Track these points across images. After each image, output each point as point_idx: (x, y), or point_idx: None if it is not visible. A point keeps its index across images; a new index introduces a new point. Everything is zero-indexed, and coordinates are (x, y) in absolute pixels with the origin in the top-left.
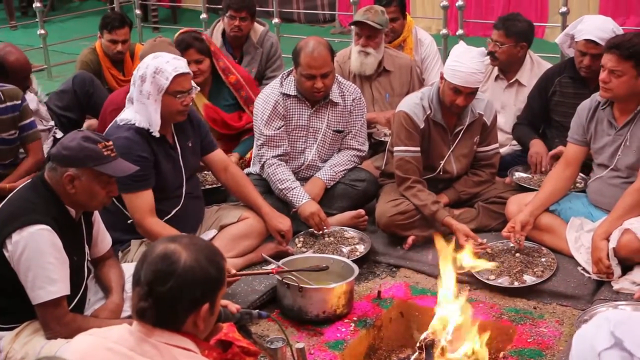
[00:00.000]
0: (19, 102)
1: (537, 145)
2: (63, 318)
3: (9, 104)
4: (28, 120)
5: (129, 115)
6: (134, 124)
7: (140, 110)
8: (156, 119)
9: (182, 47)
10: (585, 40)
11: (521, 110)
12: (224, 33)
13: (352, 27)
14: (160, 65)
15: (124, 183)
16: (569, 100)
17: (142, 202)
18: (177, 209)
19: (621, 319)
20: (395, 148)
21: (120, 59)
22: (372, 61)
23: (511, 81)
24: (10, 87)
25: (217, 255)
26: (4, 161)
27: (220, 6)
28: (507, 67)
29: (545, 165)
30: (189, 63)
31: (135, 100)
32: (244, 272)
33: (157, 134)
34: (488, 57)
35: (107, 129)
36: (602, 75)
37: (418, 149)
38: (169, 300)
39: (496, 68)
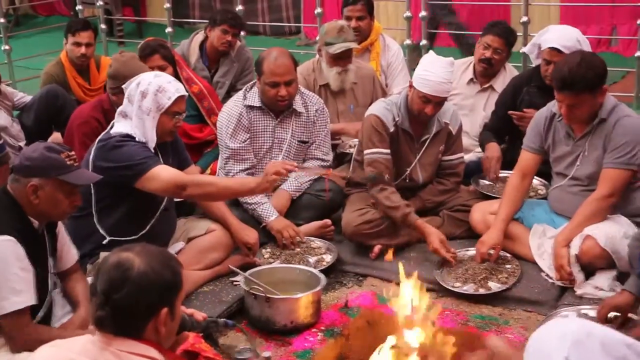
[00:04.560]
0: None
1: (490, 149)
2: (26, 328)
3: None
4: None
5: (124, 128)
6: (130, 135)
7: (138, 125)
8: (152, 135)
9: (147, 52)
10: (550, 48)
11: (489, 117)
12: (201, 45)
13: (325, 50)
14: (163, 84)
15: (137, 166)
16: (538, 108)
17: (168, 172)
18: (152, 222)
19: (578, 339)
20: (367, 151)
21: (85, 64)
22: (351, 76)
23: (485, 86)
24: None
25: (172, 260)
26: None
27: (187, 20)
28: (490, 73)
29: (495, 171)
30: (152, 69)
31: (134, 115)
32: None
33: (152, 150)
34: (470, 62)
35: (98, 139)
36: (563, 110)
37: (389, 151)
38: (126, 307)
39: (470, 71)
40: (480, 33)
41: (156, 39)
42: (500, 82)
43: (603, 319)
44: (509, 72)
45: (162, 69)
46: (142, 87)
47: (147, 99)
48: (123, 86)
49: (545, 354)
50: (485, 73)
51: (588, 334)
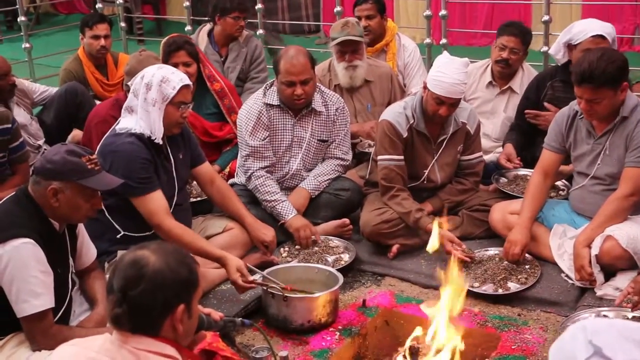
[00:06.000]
0: (9, 125)
1: (506, 149)
2: (48, 330)
3: None
4: (18, 142)
5: (129, 123)
6: (135, 131)
7: (144, 117)
8: (160, 126)
9: (174, 48)
10: (593, 36)
11: (509, 119)
12: (209, 33)
13: (333, 45)
14: (166, 75)
15: (132, 187)
16: (561, 104)
17: (156, 204)
18: None
19: (597, 328)
20: (379, 157)
21: (104, 58)
22: (361, 72)
23: (504, 88)
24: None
25: (187, 257)
26: None
27: (205, 18)
28: (508, 75)
29: (511, 165)
30: (177, 65)
31: (139, 107)
32: (261, 281)
33: (160, 141)
34: (487, 65)
35: (104, 137)
36: (582, 105)
37: (402, 157)
38: (143, 304)
39: (487, 74)
40: (493, 32)
41: (181, 35)
42: (519, 83)
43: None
44: (527, 71)
45: (187, 65)
46: (147, 79)
47: (152, 90)
48: (129, 83)
49: (569, 345)
50: (503, 74)
51: (606, 324)
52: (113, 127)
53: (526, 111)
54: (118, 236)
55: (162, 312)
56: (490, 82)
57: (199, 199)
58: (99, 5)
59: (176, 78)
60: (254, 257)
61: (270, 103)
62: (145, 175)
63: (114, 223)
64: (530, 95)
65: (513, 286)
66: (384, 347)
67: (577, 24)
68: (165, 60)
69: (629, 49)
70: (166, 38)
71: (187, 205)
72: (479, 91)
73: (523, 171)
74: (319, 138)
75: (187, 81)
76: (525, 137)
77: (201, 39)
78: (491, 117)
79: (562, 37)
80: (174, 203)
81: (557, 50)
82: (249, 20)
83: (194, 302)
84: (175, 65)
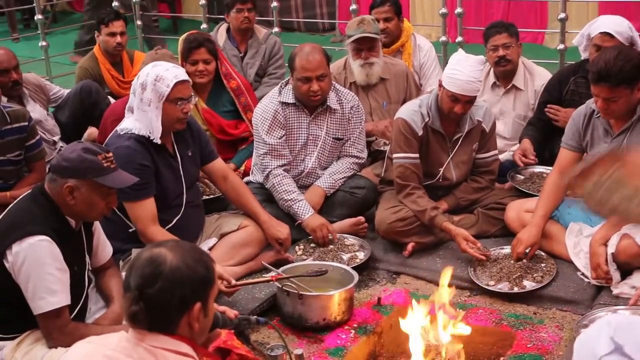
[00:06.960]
0: (26, 123)
1: (522, 144)
2: (65, 327)
3: (15, 125)
4: (34, 140)
5: (129, 124)
6: (135, 132)
7: (141, 118)
8: (157, 126)
9: (195, 45)
10: (601, 33)
11: (520, 116)
12: (227, 30)
13: (349, 42)
14: (160, 72)
15: (125, 192)
16: (583, 100)
17: (144, 211)
18: (177, 217)
19: (621, 324)
20: (395, 155)
21: (120, 55)
22: (377, 69)
23: (508, 87)
24: (16, 108)
25: (204, 255)
26: (9, 181)
27: (221, 16)
28: (510, 72)
29: (527, 160)
30: (197, 62)
31: (135, 108)
32: (244, 281)
33: (158, 141)
34: (488, 68)
35: (107, 138)
36: (599, 103)
37: (417, 155)
38: (160, 301)
39: (491, 76)
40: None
41: (201, 33)
42: (522, 79)
43: None
44: (529, 67)
45: (206, 62)
46: (141, 79)
47: (147, 90)
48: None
49: (592, 339)
50: (506, 73)
51: (630, 321)
52: (116, 127)
53: (548, 105)
54: (130, 230)
55: (179, 310)
56: (494, 83)
57: (212, 196)
58: (115, 4)
59: (170, 75)
60: (269, 254)
61: (286, 101)
62: (139, 182)
63: (125, 220)
64: (552, 91)
65: (529, 284)
66: (399, 346)
67: (599, 18)
68: (186, 57)
69: None
70: (186, 34)
71: (199, 202)
72: (485, 94)
73: (539, 169)
74: (334, 136)
75: (183, 77)
76: (544, 132)
77: (220, 35)
78: (501, 117)
79: (585, 29)
80: (183, 201)
81: (580, 41)
82: (265, 19)
83: (210, 300)
84: (195, 62)
